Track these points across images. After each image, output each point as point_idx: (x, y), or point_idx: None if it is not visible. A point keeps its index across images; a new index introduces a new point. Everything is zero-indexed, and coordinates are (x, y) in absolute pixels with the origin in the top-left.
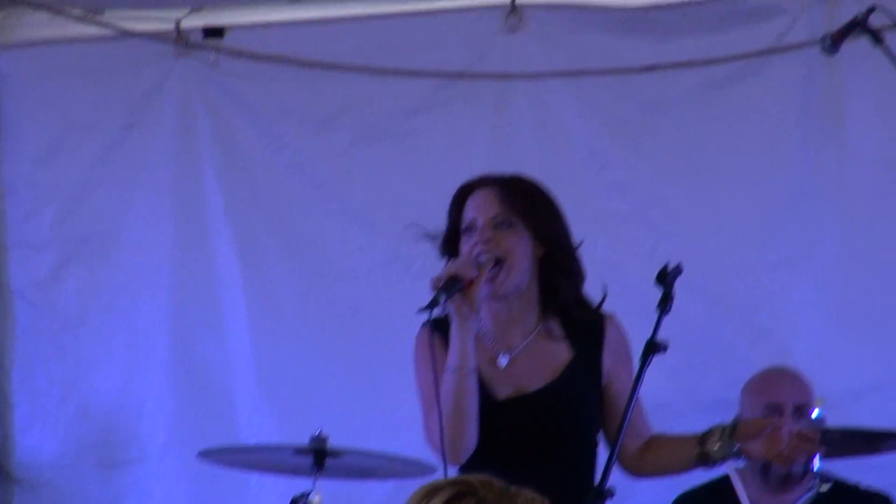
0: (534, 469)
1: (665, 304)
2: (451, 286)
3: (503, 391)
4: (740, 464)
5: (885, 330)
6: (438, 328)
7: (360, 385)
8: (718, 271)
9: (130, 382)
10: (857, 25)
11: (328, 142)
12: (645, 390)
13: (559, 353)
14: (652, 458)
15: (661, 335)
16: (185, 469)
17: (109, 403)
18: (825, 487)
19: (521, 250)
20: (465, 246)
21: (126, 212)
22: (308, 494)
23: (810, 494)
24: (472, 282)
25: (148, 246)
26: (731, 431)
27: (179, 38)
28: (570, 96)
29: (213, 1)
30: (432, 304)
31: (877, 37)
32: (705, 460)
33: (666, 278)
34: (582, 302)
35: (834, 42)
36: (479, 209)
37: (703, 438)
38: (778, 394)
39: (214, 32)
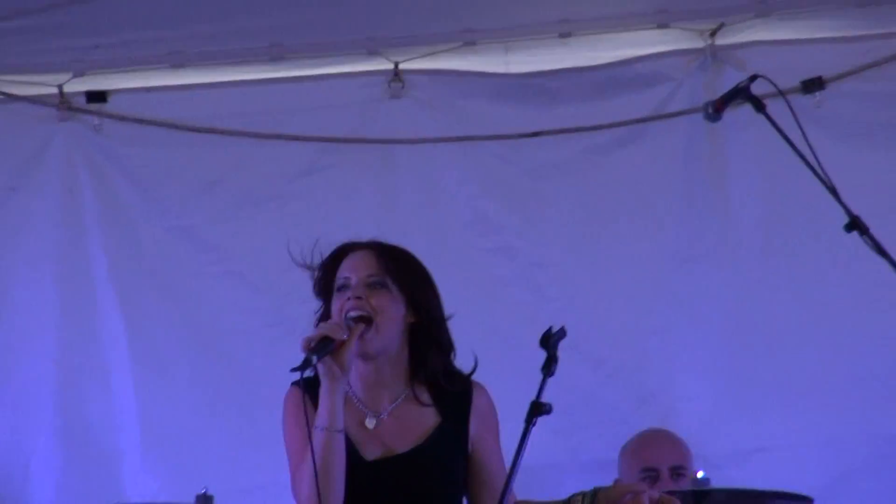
0: None
1: (549, 367)
2: (322, 347)
3: (371, 452)
4: None
5: (769, 393)
6: (308, 388)
7: (245, 444)
8: (604, 334)
9: (16, 442)
10: (740, 93)
11: (212, 205)
12: (531, 451)
13: (427, 418)
14: None
15: (546, 397)
16: None
17: None
18: None
19: (393, 312)
20: (337, 303)
21: (10, 273)
22: None
23: None
24: (342, 343)
25: (33, 306)
26: (592, 499)
27: (62, 102)
28: (453, 161)
29: (96, 66)
30: (304, 365)
31: (759, 104)
32: None
33: (549, 341)
34: (450, 372)
35: (716, 109)
36: (353, 269)
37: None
38: (654, 457)
39: (97, 97)
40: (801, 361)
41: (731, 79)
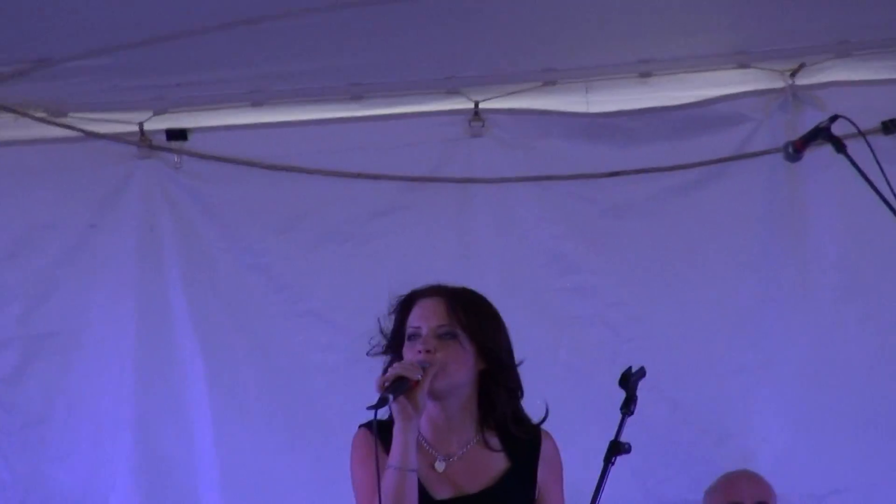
0: None
1: (628, 407)
2: (397, 387)
3: (440, 493)
4: None
5: (845, 435)
6: (378, 430)
7: (323, 483)
8: (681, 375)
9: (94, 478)
10: (820, 133)
11: (291, 243)
12: (610, 490)
13: (496, 462)
14: None
15: (625, 437)
16: None
17: (73, 499)
18: None
19: (462, 361)
20: (408, 352)
21: (89, 309)
22: None
23: None
24: (416, 383)
25: (111, 343)
26: None
27: (143, 139)
28: (532, 200)
29: (177, 104)
30: (380, 404)
31: (839, 144)
32: None
33: (629, 381)
34: (519, 417)
35: (797, 149)
36: (424, 318)
37: None
38: (738, 493)
39: (178, 134)
40: (878, 404)
41: (811, 119)
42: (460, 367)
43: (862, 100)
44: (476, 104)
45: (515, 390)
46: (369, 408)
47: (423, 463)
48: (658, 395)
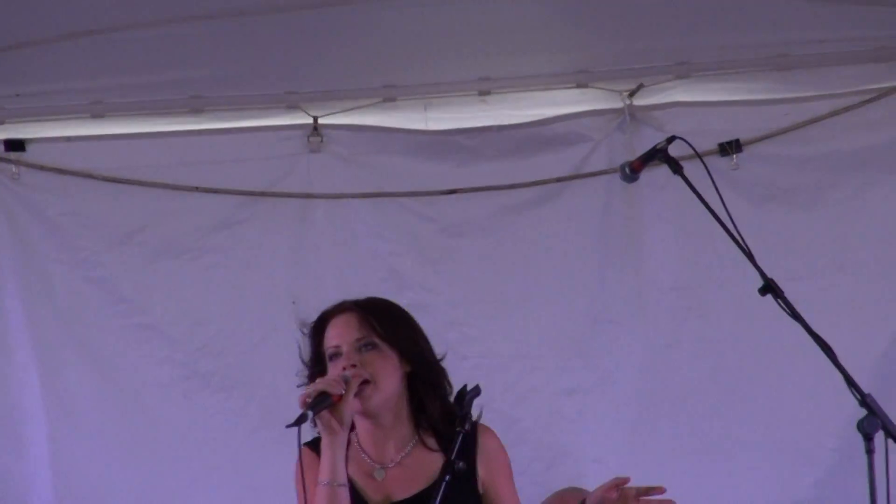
0: None
1: (463, 425)
2: (318, 402)
3: (375, 499)
4: None
5: (677, 456)
6: (315, 446)
7: (157, 496)
8: (516, 394)
9: None
10: (657, 153)
11: (128, 256)
12: None
13: (434, 463)
14: None
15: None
16: None
17: None
18: None
19: (388, 369)
20: (333, 372)
21: None
22: None
23: None
24: (340, 398)
25: None
26: None
27: None
28: (370, 216)
29: (16, 114)
30: (300, 420)
31: (676, 165)
32: None
33: (464, 399)
34: (451, 413)
35: (633, 170)
36: (340, 336)
37: None
38: None
39: (16, 145)
40: (711, 425)
41: (649, 140)
42: (388, 376)
43: (699, 121)
44: (315, 119)
45: (443, 386)
46: (289, 426)
47: (362, 472)
48: (493, 413)
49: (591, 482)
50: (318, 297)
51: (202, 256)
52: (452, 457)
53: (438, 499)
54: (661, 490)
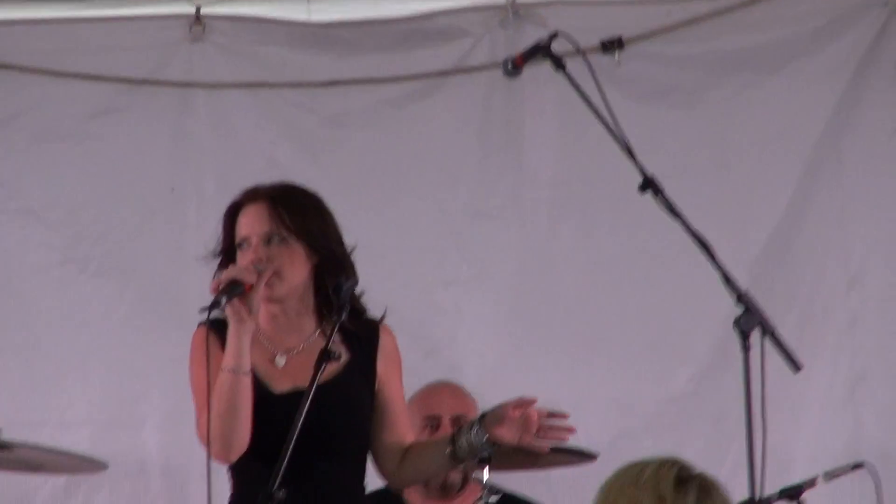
0: (307, 467)
1: (339, 314)
2: (230, 290)
3: (280, 386)
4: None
5: (554, 350)
6: (215, 328)
7: (34, 380)
8: (392, 285)
9: None
10: (540, 50)
11: (6, 141)
12: None
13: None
14: (409, 463)
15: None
16: None
17: None
18: (493, 499)
19: (295, 263)
20: (242, 261)
21: None
22: None
23: None
24: (250, 286)
25: None
26: (479, 422)
27: None
28: (250, 107)
29: None
30: (212, 307)
31: (558, 62)
32: (456, 457)
33: (340, 291)
34: (356, 309)
35: (515, 65)
36: (250, 226)
37: (454, 436)
38: (435, 406)
39: None
40: (588, 321)
41: (531, 36)
42: (293, 269)
43: (582, 18)
44: (197, 9)
45: (350, 277)
46: (202, 310)
47: (263, 358)
48: (372, 304)
49: (467, 375)
50: (197, 186)
51: (81, 143)
52: (326, 345)
53: (313, 386)
54: (564, 416)
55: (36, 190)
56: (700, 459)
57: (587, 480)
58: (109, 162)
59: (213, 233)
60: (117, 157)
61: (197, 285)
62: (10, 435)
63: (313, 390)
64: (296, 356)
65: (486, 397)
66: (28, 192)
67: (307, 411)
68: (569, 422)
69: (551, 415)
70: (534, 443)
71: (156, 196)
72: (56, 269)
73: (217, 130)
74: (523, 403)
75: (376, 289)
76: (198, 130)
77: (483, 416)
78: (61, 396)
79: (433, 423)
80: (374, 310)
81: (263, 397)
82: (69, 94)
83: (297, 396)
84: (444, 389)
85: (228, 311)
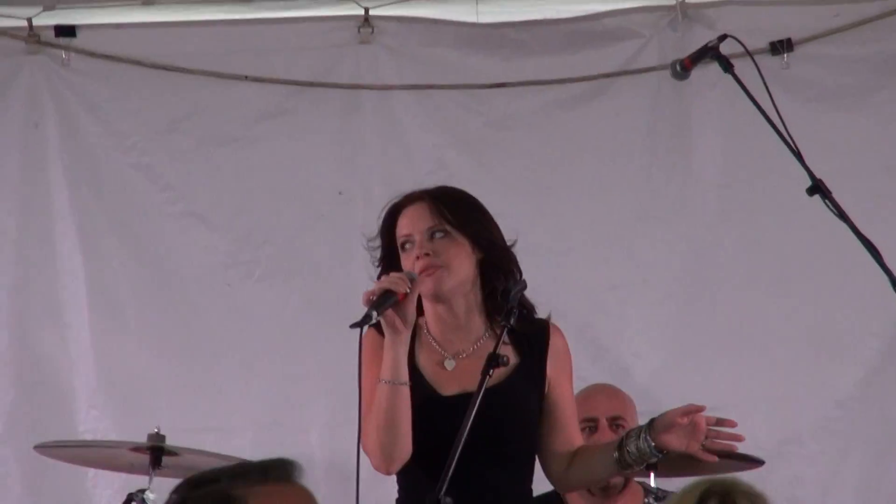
0: (474, 473)
1: (508, 319)
2: (383, 301)
3: (449, 389)
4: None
5: (719, 353)
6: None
7: (198, 385)
8: (559, 288)
9: None
10: (709, 51)
11: (175, 144)
12: None
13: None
14: (577, 467)
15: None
16: (21, 461)
17: None
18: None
19: (461, 256)
20: (406, 262)
21: None
22: (144, 491)
23: None
24: (405, 296)
25: None
26: (647, 429)
27: (31, 35)
28: (418, 109)
29: (66, 0)
30: (364, 321)
31: (727, 64)
32: (624, 462)
33: (509, 294)
34: (524, 306)
35: (684, 67)
36: (412, 224)
37: (621, 441)
38: (592, 408)
39: (66, 31)
40: (754, 324)
41: (700, 38)
42: (461, 262)
43: (751, 20)
44: (366, 10)
45: (514, 272)
46: (353, 326)
47: (432, 361)
48: (538, 308)
49: (632, 378)
50: (364, 188)
51: (249, 146)
52: (495, 350)
53: (481, 391)
54: (732, 423)
55: (202, 193)
56: (867, 465)
57: (755, 484)
58: (276, 165)
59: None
60: (284, 159)
61: (363, 289)
62: (174, 441)
63: (481, 395)
64: (465, 359)
65: (652, 401)
66: (194, 195)
67: (475, 416)
68: (736, 428)
69: (720, 422)
70: (700, 452)
71: (323, 199)
72: (221, 272)
73: (384, 132)
74: (691, 410)
75: (541, 291)
76: (365, 132)
77: (651, 423)
78: (226, 402)
79: (591, 425)
80: (539, 312)
81: (431, 399)
82: (236, 97)
83: (465, 400)
84: (600, 391)
85: (383, 324)
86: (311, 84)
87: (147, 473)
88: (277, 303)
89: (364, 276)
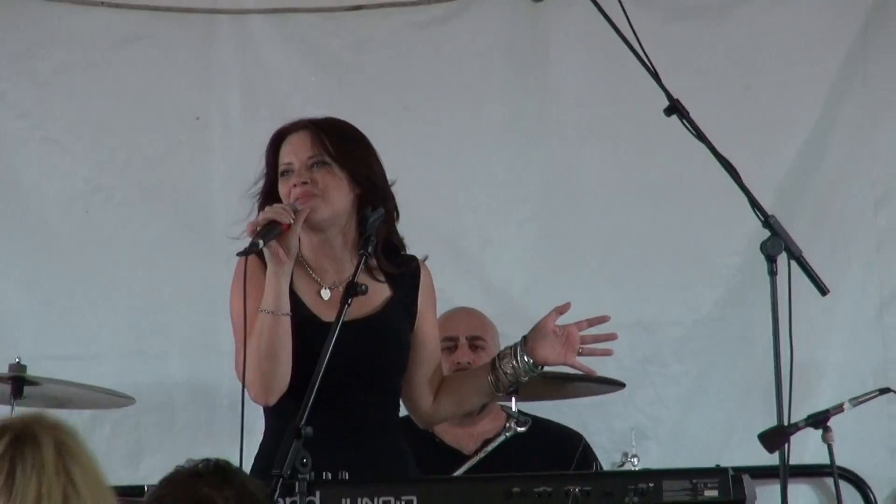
0: (346, 397)
1: (366, 246)
2: (268, 231)
3: (328, 317)
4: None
5: (581, 271)
6: (261, 256)
7: (59, 313)
8: (425, 208)
9: None
10: None
11: (29, 71)
12: None
13: (379, 291)
14: (446, 397)
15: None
16: None
17: None
18: (524, 427)
19: (339, 188)
20: (283, 188)
21: None
22: None
23: (509, 434)
24: (288, 227)
25: None
26: (522, 345)
27: None
28: (275, 33)
29: None
30: (249, 250)
31: None
32: (499, 384)
33: (367, 222)
34: (395, 244)
35: None
36: (294, 153)
37: (494, 362)
38: (451, 327)
39: None
40: (614, 244)
41: None
42: (338, 194)
43: None
44: None
45: (391, 211)
46: (239, 254)
47: (310, 290)
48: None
49: (511, 292)
50: (222, 113)
51: (105, 72)
52: (353, 278)
53: (339, 320)
54: (604, 319)
55: (60, 119)
56: (726, 384)
57: (615, 406)
58: (134, 90)
59: (238, 160)
60: (143, 85)
61: (223, 213)
62: (35, 370)
63: (358, 323)
64: (341, 289)
65: (530, 312)
66: (52, 121)
67: (350, 344)
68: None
69: (591, 321)
70: (578, 363)
71: (181, 124)
72: (81, 198)
73: (242, 57)
74: (561, 310)
75: (419, 217)
76: (223, 57)
77: (524, 339)
78: (86, 329)
79: (450, 344)
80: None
81: (313, 324)
82: (93, 23)
83: (342, 327)
84: (461, 312)
85: (266, 254)
86: (168, 9)
87: (8, 403)
88: (137, 228)
89: (223, 200)
